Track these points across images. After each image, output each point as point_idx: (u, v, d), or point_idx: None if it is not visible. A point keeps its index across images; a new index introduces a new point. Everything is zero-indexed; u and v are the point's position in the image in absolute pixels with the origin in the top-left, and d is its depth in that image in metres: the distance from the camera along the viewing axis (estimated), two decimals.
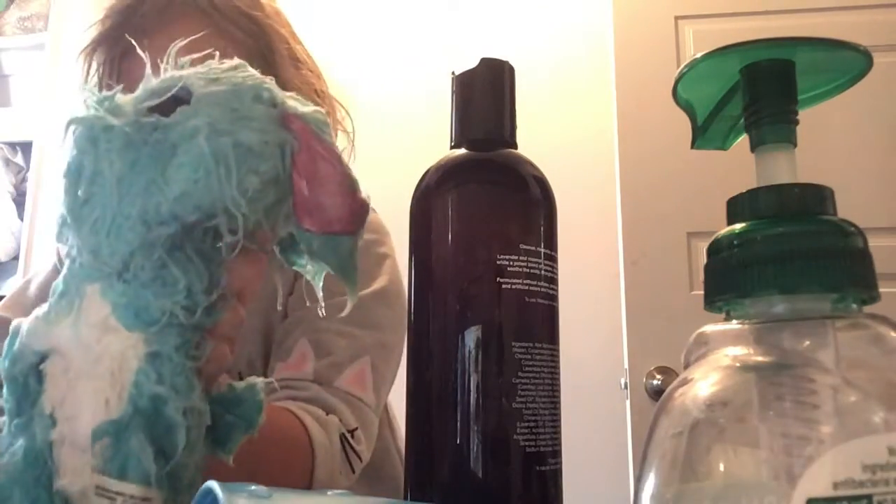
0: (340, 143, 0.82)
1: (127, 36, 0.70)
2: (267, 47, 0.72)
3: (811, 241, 0.26)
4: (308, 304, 0.71)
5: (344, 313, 0.42)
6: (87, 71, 0.73)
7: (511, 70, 0.44)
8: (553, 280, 0.41)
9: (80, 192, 0.36)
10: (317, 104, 0.77)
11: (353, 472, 0.65)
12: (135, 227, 0.35)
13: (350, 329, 0.70)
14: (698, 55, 0.29)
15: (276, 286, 0.74)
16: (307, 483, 0.60)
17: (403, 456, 0.47)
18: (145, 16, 0.69)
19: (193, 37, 0.71)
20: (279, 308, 0.74)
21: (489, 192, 0.42)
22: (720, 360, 0.26)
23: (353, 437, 0.65)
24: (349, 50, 2.00)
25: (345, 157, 0.87)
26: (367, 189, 0.37)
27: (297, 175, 0.37)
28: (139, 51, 0.68)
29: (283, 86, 0.75)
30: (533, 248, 0.40)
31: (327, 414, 0.64)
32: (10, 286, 2.23)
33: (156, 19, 0.69)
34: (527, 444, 0.38)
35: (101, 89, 0.75)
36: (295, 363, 0.68)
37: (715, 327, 0.28)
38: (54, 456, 0.34)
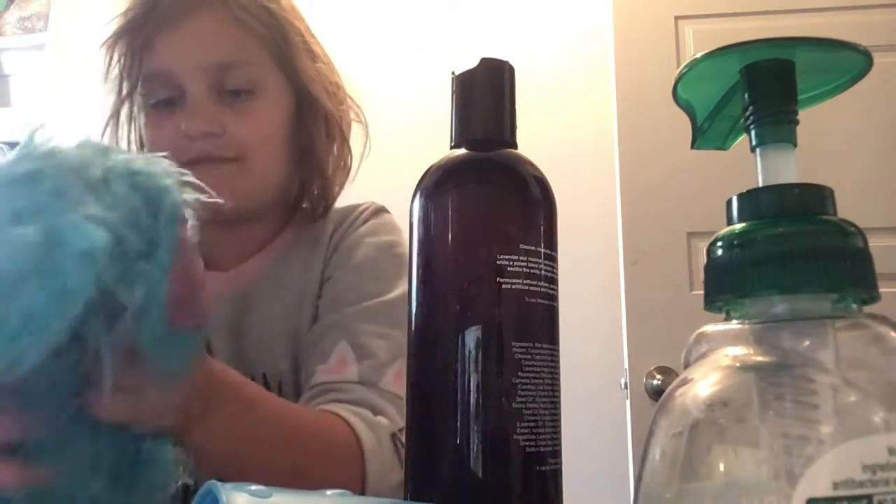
0: (356, 137, 0.82)
1: (148, 27, 0.71)
2: (283, 39, 0.73)
3: (811, 241, 0.26)
4: (342, 306, 0.72)
5: None
6: (108, 63, 0.75)
7: (511, 70, 0.44)
8: (553, 280, 0.41)
9: None
10: (331, 96, 0.77)
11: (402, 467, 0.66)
12: None
13: (385, 330, 0.70)
14: (698, 55, 0.29)
15: (301, 291, 0.74)
16: (360, 485, 0.61)
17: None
18: (166, 7, 0.71)
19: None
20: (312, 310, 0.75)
21: (489, 192, 0.42)
22: (720, 360, 0.26)
23: (401, 433, 0.65)
24: (348, 50, 2.00)
25: (361, 151, 0.86)
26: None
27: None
28: (160, 42, 0.70)
29: (299, 75, 0.75)
30: (533, 248, 0.40)
31: (375, 415, 0.64)
32: None
33: (177, 10, 0.70)
34: (527, 444, 0.38)
35: (122, 81, 0.76)
36: (336, 366, 0.68)
37: (715, 327, 0.28)
38: None
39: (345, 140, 0.80)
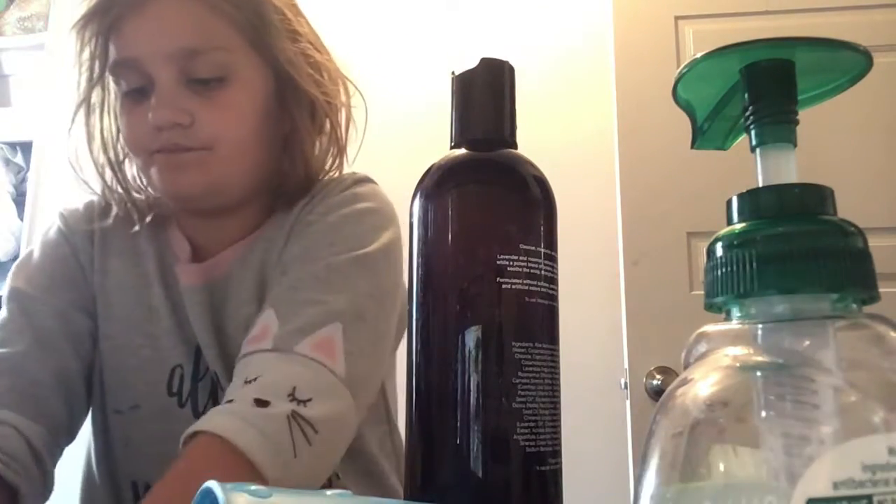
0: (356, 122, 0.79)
1: (113, 10, 0.68)
2: (258, 18, 0.70)
3: (811, 241, 0.26)
4: (285, 276, 0.67)
5: None
6: (80, 46, 0.73)
7: (511, 70, 0.44)
8: (553, 280, 0.41)
9: None
10: (316, 79, 0.73)
11: (310, 444, 0.56)
12: None
13: (321, 296, 0.65)
14: (698, 55, 0.29)
15: (262, 273, 0.72)
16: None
17: (403, 455, 0.46)
18: None
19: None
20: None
21: (489, 192, 0.42)
22: (720, 360, 0.26)
23: (305, 406, 0.57)
24: (348, 50, 2.00)
25: (354, 135, 0.78)
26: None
27: None
28: (126, 23, 0.68)
29: (277, 58, 0.71)
30: (533, 248, 0.40)
31: (261, 405, 0.56)
32: None
33: None
34: (527, 444, 0.38)
35: (92, 63, 0.72)
36: (257, 336, 0.63)
37: (715, 327, 0.28)
38: None
39: (335, 125, 0.77)
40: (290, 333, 0.62)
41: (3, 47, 2.39)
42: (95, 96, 0.75)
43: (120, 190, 0.77)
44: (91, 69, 0.73)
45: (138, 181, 0.78)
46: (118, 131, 0.75)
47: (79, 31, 0.72)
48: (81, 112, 0.75)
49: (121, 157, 0.77)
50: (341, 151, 0.79)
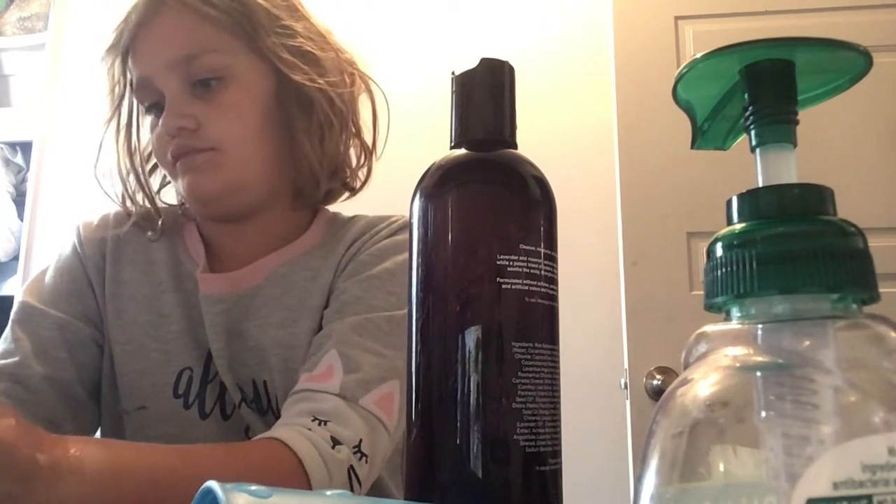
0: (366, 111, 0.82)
1: (124, 38, 0.73)
2: (247, 21, 0.73)
3: (811, 241, 0.26)
4: (345, 316, 0.70)
5: None
6: (112, 76, 0.77)
7: (511, 70, 0.44)
8: (553, 280, 0.41)
9: None
10: (303, 70, 0.74)
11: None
12: None
13: (381, 348, 0.68)
14: (698, 55, 0.29)
15: (301, 300, 0.73)
16: None
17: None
18: (135, 17, 0.73)
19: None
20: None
21: (489, 192, 0.42)
22: (720, 360, 0.26)
23: (360, 461, 0.62)
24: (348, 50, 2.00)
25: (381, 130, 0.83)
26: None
27: None
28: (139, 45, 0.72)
29: (265, 53, 0.73)
30: (533, 248, 0.40)
31: (334, 446, 0.60)
32: (10, 286, 2.23)
33: (141, 19, 0.73)
34: (527, 444, 0.38)
35: (119, 86, 0.77)
36: (321, 375, 0.65)
37: (715, 327, 0.28)
38: None
39: (339, 122, 0.77)
40: (356, 383, 0.65)
41: (3, 47, 2.39)
42: (123, 112, 0.79)
43: (142, 198, 0.80)
44: (120, 90, 0.78)
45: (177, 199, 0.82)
46: (147, 148, 0.80)
47: (104, 62, 0.77)
48: (112, 127, 0.80)
49: (149, 176, 0.81)
50: (362, 145, 0.81)
